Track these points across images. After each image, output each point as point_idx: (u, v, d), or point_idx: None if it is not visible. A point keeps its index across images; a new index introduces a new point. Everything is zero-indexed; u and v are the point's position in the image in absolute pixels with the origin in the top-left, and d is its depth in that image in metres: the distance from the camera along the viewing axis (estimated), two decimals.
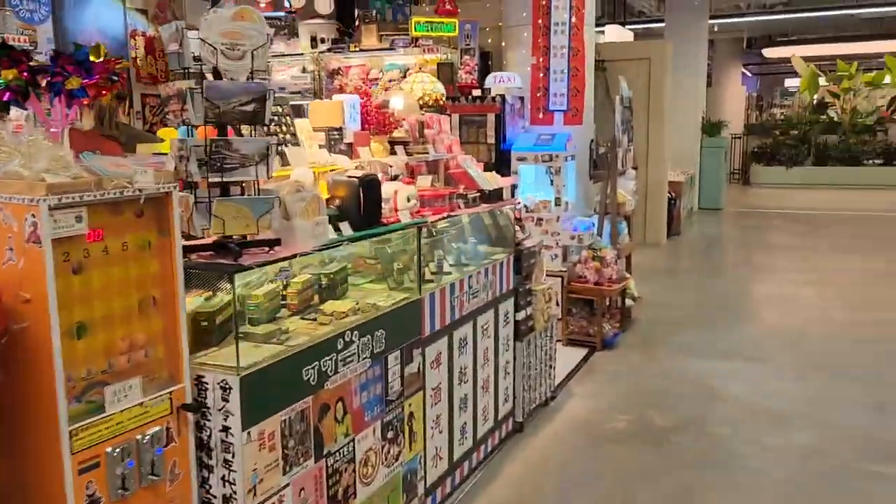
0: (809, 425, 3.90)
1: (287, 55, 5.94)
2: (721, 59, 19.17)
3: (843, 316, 5.99)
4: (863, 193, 14.15)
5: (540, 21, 5.54)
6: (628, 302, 5.73)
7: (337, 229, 2.36)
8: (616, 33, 10.71)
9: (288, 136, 2.63)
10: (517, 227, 3.75)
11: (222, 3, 1.90)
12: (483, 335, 3.33)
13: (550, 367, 4.14)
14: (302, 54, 5.85)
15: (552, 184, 5.26)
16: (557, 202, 5.25)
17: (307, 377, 2.17)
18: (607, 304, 5.30)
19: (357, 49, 5.68)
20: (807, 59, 17.71)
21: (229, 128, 2.02)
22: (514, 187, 5.25)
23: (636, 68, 9.03)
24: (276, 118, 2.61)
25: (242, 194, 2.13)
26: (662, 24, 12.69)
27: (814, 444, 3.68)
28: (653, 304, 6.31)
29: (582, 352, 5.07)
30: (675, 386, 4.49)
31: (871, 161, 15.60)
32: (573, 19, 5.56)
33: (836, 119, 16.66)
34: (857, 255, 8.54)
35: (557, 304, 5.20)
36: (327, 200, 2.43)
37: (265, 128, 2.27)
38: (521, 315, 3.73)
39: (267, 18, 6.21)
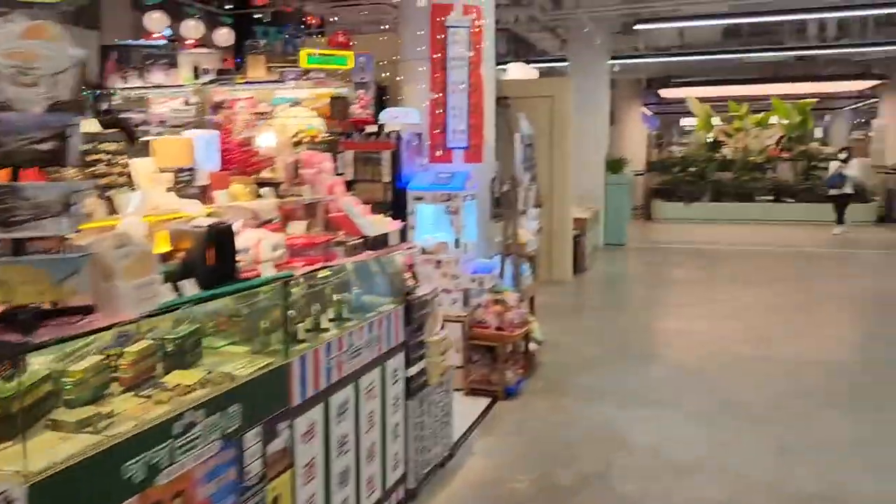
0: (716, 476, 3.75)
1: (166, 87, 5.49)
2: (623, 98, 19.76)
3: (743, 351, 5.99)
4: (756, 228, 14.73)
5: (437, 56, 5.34)
6: (532, 346, 5.51)
7: (177, 289, 1.99)
8: (520, 71, 10.76)
9: (121, 179, 2.24)
10: (408, 275, 3.45)
11: (11, 16, 1.53)
12: (367, 397, 2.99)
13: (447, 423, 3.83)
14: (183, 86, 5.43)
15: (451, 224, 5.01)
16: (457, 243, 5.00)
17: (130, 474, 1.77)
18: (510, 349, 5.06)
19: (244, 81, 5.31)
20: (701, 99, 18.52)
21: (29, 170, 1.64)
22: (404, 231, 4.97)
23: (540, 106, 9.02)
24: (108, 156, 2.22)
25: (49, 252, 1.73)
26: (567, 64, 12.90)
27: (721, 499, 3.51)
28: (558, 346, 6.14)
29: (484, 402, 4.79)
30: (580, 436, 4.27)
31: (762, 197, 16.30)
32: (471, 55, 5.39)
33: (729, 157, 17.39)
34: (753, 289, 8.72)
35: (458, 351, 4.92)
36: (168, 254, 2.06)
37: (85, 169, 1.89)
38: (412, 370, 3.41)
39: (145, 47, 5.76)
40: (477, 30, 5.39)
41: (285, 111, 4.17)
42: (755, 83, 17.95)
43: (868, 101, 21.75)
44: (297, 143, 3.42)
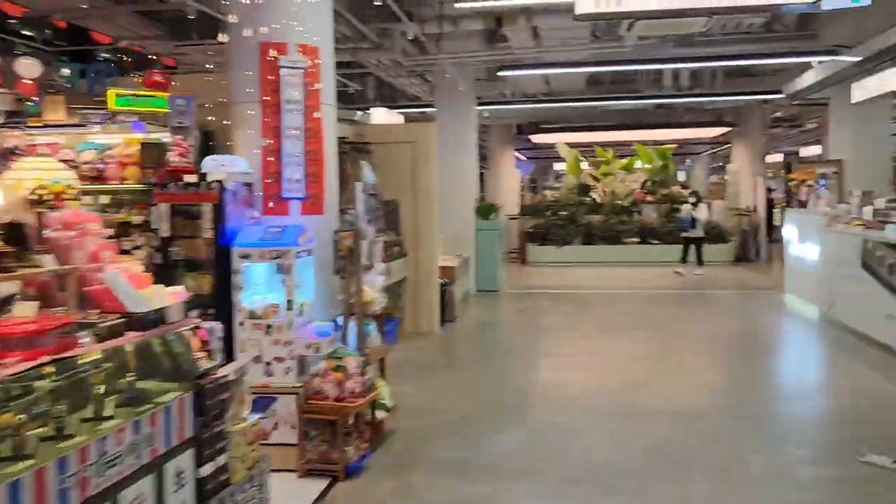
0: None
1: None
2: (496, 143, 20.03)
3: (611, 405, 5.77)
4: (624, 270, 15.04)
5: (268, 98, 4.87)
6: (380, 414, 5.02)
7: None
8: (383, 116, 10.48)
9: None
10: (201, 354, 2.90)
11: None
12: None
13: None
14: None
15: (283, 284, 4.49)
16: (290, 305, 4.47)
17: None
18: (352, 421, 4.55)
19: (41, 125, 4.63)
20: (570, 145, 19.01)
21: None
22: (227, 293, 4.41)
23: (402, 151, 8.71)
24: None
25: None
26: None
27: None
28: (413, 410, 5.67)
29: (321, 484, 4.24)
30: None
31: (629, 239, 16.76)
32: (307, 98, 4.96)
33: (598, 200, 17.84)
34: (621, 335, 8.67)
35: (293, 427, 4.36)
36: None
37: None
38: (207, 469, 2.84)
39: None
40: (312, 70, 4.97)
41: (25, 161, 3.49)
42: (619, 129, 18.67)
43: (722, 147, 23.21)
44: (38, 202, 2.82)
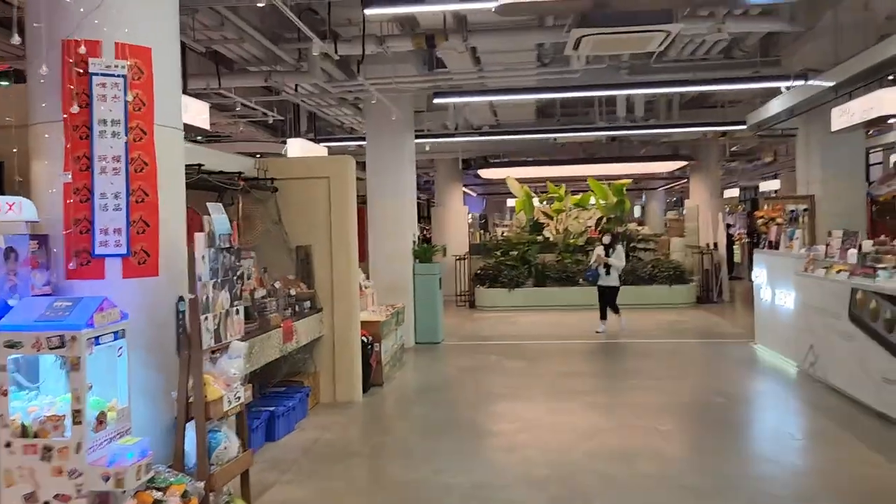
0: None
1: None
2: (443, 179, 18.85)
3: None
4: (579, 315, 13.81)
5: (72, 116, 3.49)
6: None
7: None
8: (301, 147, 9.15)
9: None
10: None
11: None
12: None
13: None
14: None
15: (71, 384, 3.06)
16: (76, 417, 3.04)
17: None
18: None
19: None
20: (521, 180, 17.92)
21: None
22: None
23: (315, 189, 7.37)
24: None
25: None
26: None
27: None
28: None
29: None
30: None
31: (583, 280, 15.57)
32: (132, 116, 3.60)
33: (551, 239, 16.71)
34: (573, 404, 7.36)
35: None
36: None
37: None
38: None
39: None
40: (140, 80, 3.62)
41: None
42: (572, 164, 17.68)
43: (679, 182, 22.45)
44: None
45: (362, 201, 11.19)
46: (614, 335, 11.71)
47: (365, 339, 7.85)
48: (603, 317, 11.98)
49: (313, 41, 6.34)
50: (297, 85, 9.52)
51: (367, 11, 5.67)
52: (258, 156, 7.97)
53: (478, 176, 19.77)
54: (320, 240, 7.37)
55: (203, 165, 5.75)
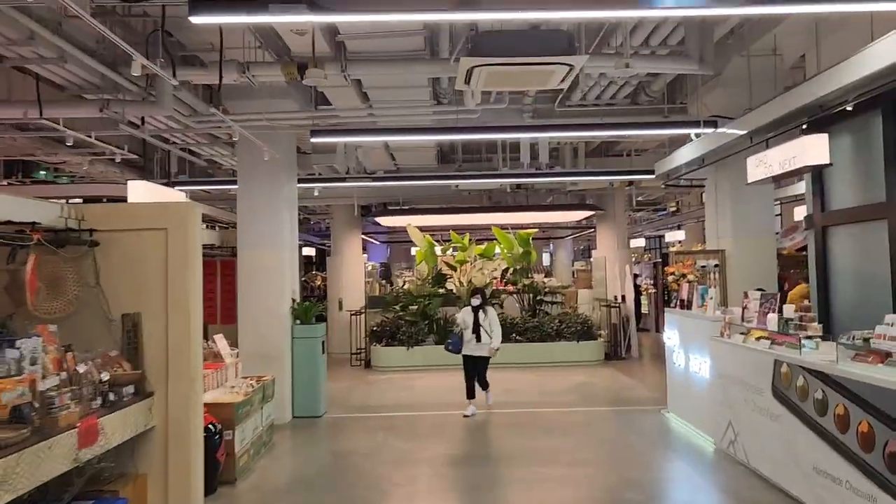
0: None
1: None
2: (339, 226, 17.56)
3: None
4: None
5: None
6: None
7: None
8: (146, 191, 7.67)
9: None
10: None
11: None
12: None
13: None
14: None
15: None
16: None
17: None
18: None
19: None
20: (423, 228, 16.86)
21: None
22: None
23: (149, 243, 5.93)
24: None
25: None
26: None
27: None
28: None
29: None
30: None
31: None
32: None
33: (454, 292, 15.63)
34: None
35: None
36: None
37: None
38: None
39: None
40: None
41: None
42: (476, 212, 16.78)
43: (585, 231, 22.00)
44: None
45: (232, 253, 9.77)
46: (516, 398, 10.61)
47: (212, 427, 6.39)
48: (471, 395, 9.62)
49: (133, 59, 5.01)
50: (142, 118, 8.10)
51: (194, 19, 4.43)
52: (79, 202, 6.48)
53: (378, 224, 18.60)
54: (153, 306, 5.91)
55: None
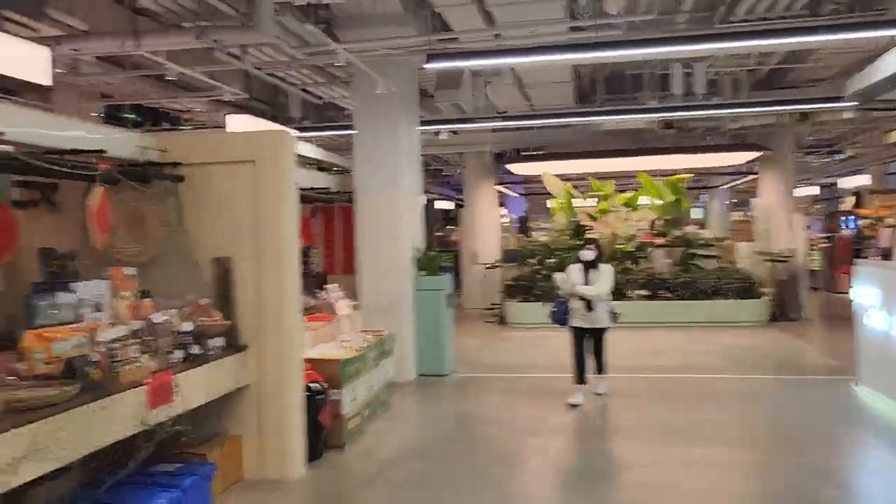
0: None
1: None
2: (471, 175, 16.61)
3: None
4: (627, 334, 11.36)
5: None
6: None
7: None
8: (247, 126, 7.02)
9: None
10: None
11: None
12: None
13: None
14: None
15: None
16: None
17: None
18: None
19: None
20: (560, 177, 15.53)
21: None
22: None
23: (236, 178, 5.24)
24: None
25: None
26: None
27: None
28: None
29: None
30: None
31: (635, 293, 13.12)
32: None
33: None
34: (603, 487, 5.04)
35: None
36: None
37: None
38: None
39: None
40: None
41: None
42: (620, 156, 15.20)
43: (746, 178, 19.67)
44: None
45: (350, 199, 9.08)
46: (669, 362, 9.26)
47: (316, 386, 5.69)
48: (581, 378, 7.45)
49: None
50: (243, 47, 7.44)
51: None
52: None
53: (512, 173, 17.48)
54: (244, 250, 5.24)
55: (2, 134, 3.67)
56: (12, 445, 3.06)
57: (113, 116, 9.93)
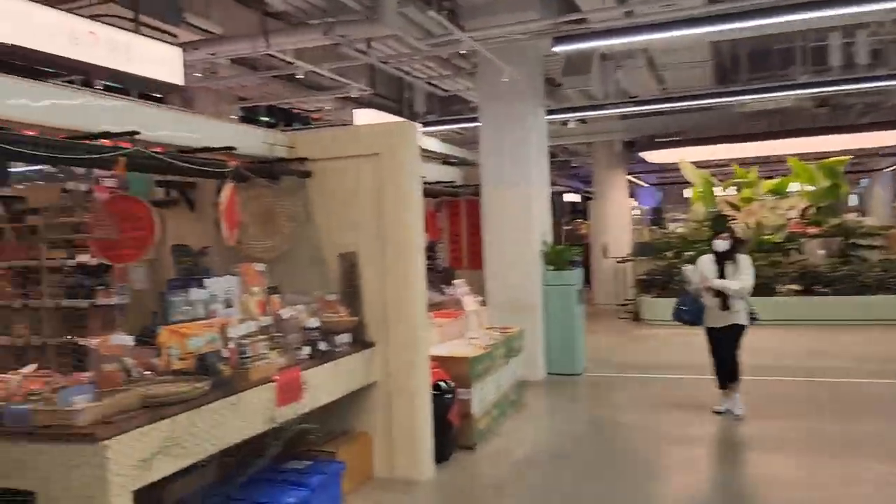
0: None
1: None
2: (600, 166, 15.99)
3: None
4: (779, 333, 10.46)
5: None
6: None
7: None
8: (372, 117, 6.94)
9: None
10: None
11: None
12: None
13: None
14: None
15: None
16: None
17: None
18: None
19: None
20: (698, 164, 14.60)
21: None
22: None
23: (360, 172, 5.14)
24: None
25: None
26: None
27: None
28: None
29: None
30: None
31: (785, 287, 12.07)
32: None
33: (739, 236, 13.26)
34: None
35: None
36: None
37: None
38: None
39: None
40: None
41: None
42: (766, 139, 14.04)
43: None
44: None
45: (476, 192, 8.88)
46: (827, 370, 8.35)
47: (444, 385, 5.52)
48: (724, 383, 6.59)
49: None
50: (369, 41, 7.39)
51: None
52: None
53: (645, 161, 16.67)
54: (368, 245, 5.15)
55: (138, 133, 3.72)
56: (147, 441, 3.07)
57: (248, 118, 10.29)
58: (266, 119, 10.54)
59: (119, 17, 5.57)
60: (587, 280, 17.67)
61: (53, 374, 3.65)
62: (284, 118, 11.23)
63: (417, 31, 7.54)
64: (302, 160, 5.15)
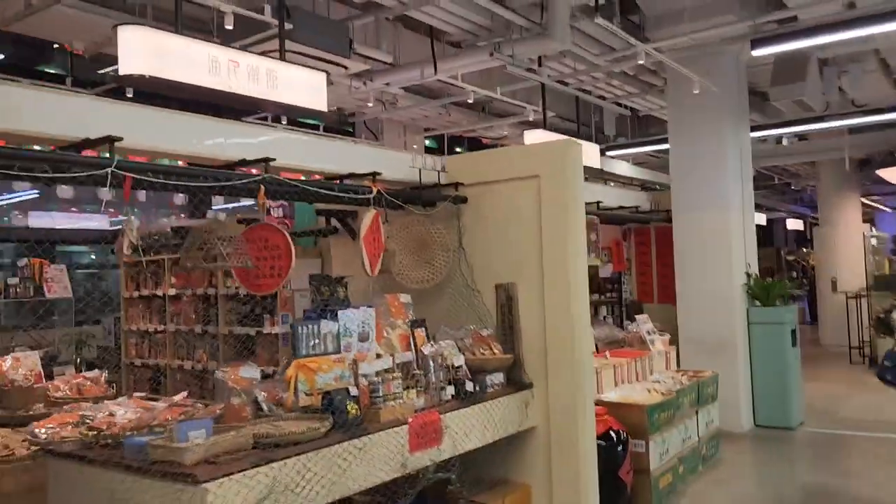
0: None
1: None
2: (827, 188, 14.07)
3: None
4: None
5: None
6: None
7: None
8: (541, 137, 6.46)
9: None
10: None
11: None
12: None
13: None
14: None
15: None
16: None
17: None
18: None
19: None
20: None
21: None
22: None
23: (517, 197, 4.70)
24: None
25: None
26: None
27: None
28: None
29: None
30: None
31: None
32: None
33: None
34: None
35: None
36: None
37: None
38: None
39: None
40: None
41: None
42: None
43: None
44: None
45: (667, 218, 8.05)
46: None
47: (614, 435, 4.85)
48: None
49: None
50: (539, 58, 6.94)
51: None
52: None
53: (883, 181, 14.38)
54: (527, 274, 4.68)
55: (274, 160, 3.63)
56: (252, 485, 2.85)
57: (432, 149, 10.33)
58: (433, 146, 10.56)
59: (291, 52, 5.69)
60: (813, 317, 15.56)
61: (193, 405, 3.62)
62: (470, 147, 11.17)
63: (595, 46, 7.01)
64: (456, 185, 4.84)
